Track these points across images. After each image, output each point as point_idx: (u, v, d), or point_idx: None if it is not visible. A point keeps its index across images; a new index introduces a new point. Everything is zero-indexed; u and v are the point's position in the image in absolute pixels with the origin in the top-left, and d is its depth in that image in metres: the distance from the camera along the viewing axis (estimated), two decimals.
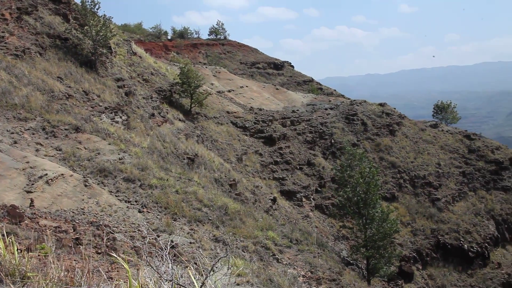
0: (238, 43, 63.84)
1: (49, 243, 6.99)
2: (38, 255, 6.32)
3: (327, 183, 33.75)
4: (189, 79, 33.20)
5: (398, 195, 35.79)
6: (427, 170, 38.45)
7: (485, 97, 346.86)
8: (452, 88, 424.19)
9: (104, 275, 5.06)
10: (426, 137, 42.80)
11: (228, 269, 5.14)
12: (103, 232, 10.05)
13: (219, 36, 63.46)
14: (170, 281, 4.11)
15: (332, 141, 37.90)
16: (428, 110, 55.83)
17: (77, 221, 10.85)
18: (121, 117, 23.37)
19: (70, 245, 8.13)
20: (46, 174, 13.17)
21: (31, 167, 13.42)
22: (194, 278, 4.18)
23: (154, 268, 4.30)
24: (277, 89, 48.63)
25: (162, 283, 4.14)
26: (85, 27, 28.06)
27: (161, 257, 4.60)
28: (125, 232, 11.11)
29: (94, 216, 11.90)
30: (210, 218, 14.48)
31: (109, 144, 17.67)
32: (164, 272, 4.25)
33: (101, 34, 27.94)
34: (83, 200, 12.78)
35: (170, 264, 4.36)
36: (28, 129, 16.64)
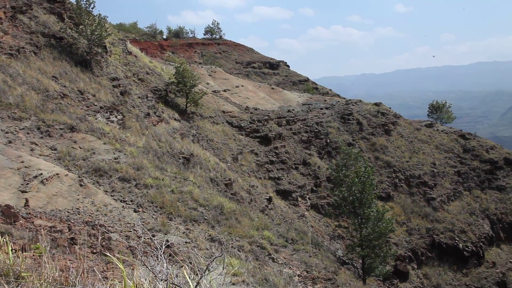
0: (234, 42, 63.80)
1: (43, 243, 6.97)
2: (33, 255, 6.30)
3: (323, 182, 33.79)
4: (184, 79, 33.15)
5: (393, 194, 35.87)
6: (422, 170, 38.57)
7: (480, 97, 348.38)
8: (447, 88, 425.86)
9: (99, 275, 5.05)
10: (421, 136, 42.93)
11: (223, 269, 5.15)
12: (98, 232, 10.03)
13: (214, 35, 63.41)
14: (165, 280, 4.11)
15: (328, 140, 37.94)
16: (423, 109, 56.04)
17: (72, 221, 10.82)
18: (116, 117, 23.31)
19: (65, 245, 8.10)
20: (41, 174, 13.12)
21: (26, 167, 13.37)
22: (189, 278, 4.17)
23: (149, 267, 4.29)
24: (272, 88, 48.64)
25: (157, 282, 4.13)
26: (80, 26, 27.96)
27: (156, 257, 4.59)
28: (121, 232, 11.09)
29: (89, 215, 11.87)
30: (206, 217, 14.47)
31: (104, 143, 17.63)
32: (159, 272, 4.24)
33: (96, 33, 27.85)
34: (78, 199, 12.74)
35: (165, 264, 4.35)
36: (23, 129, 16.57)
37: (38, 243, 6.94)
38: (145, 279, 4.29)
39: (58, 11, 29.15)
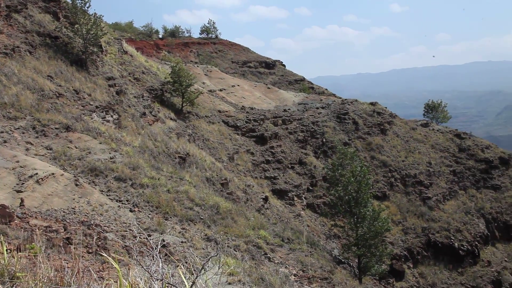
0: (230, 42, 63.80)
1: (39, 242, 6.95)
2: (28, 255, 6.28)
3: (319, 182, 33.83)
4: (180, 78, 33.10)
5: (389, 194, 35.95)
6: (418, 169, 38.68)
7: (475, 97, 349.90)
8: (442, 87, 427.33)
9: (95, 275, 5.04)
10: (417, 136, 43.04)
11: (219, 268, 5.14)
12: (94, 232, 10.01)
13: (210, 35, 63.39)
14: (161, 280, 4.10)
15: (324, 140, 37.99)
16: (419, 109, 56.23)
17: (68, 221, 10.79)
18: (112, 116, 23.26)
19: (61, 244, 8.08)
20: (37, 174, 13.07)
21: (21, 167, 13.32)
22: (185, 277, 4.17)
23: (145, 267, 4.29)
24: (268, 88, 48.64)
25: (153, 282, 4.12)
26: (76, 26, 27.86)
27: (152, 257, 4.58)
28: (116, 232, 11.07)
29: (85, 215, 11.84)
30: (202, 217, 14.46)
31: (100, 143, 17.59)
32: (155, 272, 4.24)
33: (92, 32, 27.76)
34: (74, 199, 12.70)
35: (160, 264, 4.35)
36: (18, 128, 16.51)
37: (33, 243, 6.92)
38: (141, 279, 4.29)
39: (53, 10, 29.05)
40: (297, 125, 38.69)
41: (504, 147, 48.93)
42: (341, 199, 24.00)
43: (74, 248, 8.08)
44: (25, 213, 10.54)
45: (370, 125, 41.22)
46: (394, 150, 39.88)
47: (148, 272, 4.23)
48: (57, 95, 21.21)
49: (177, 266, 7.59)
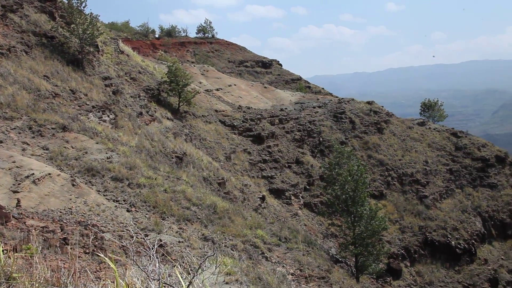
0: (226, 41, 63.81)
1: (35, 243, 6.93)
2: (24, 255, 6.26)
3: (316, 181, 33.86)
4: (177, 78, 33.07)
5: (386, 192, 36.03)
6: (414, 168, 38.77)
7: (471, 95, 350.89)
8: (439, 86, 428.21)
9: (91, 275, 5.03)
10: (413, 135, 43.13)
11: (216, 268, 5.14)
12: (91, 232, 9.99)
13: (207, 34, 63.38)
14: (158, 280, 4.10)
15: (321, 139, 38.03)
16: (416, 108, 56.30)
17: (65, 221, 10.77)
18: (108, 116, 23.22)
19: (57, 245, 8.06)
20: (33, 174, 13.04)
21: (17, 167, 13.28)
22: (182, 277, 4.16)
23: (141, 267, 4.28)
24: (265, 87, 48.65)
25: (150, 282, 4.12)
26: (72, 25, 27.77)
27: (149, 256, 4.57)
28: (113, 232, 11.05)
29: (82, 215, 11.82)
30: (199, 217, 14.45)
31: (97, 143, 17.55)
32: (152, 271, 4.23)
33: (88, 32, 27.67)
34: (70, 199, 12.68)
35: (157, 263, 4.34)
36: (14, 128, 16.46)
37: (29, 244, 6.90)
38: (138, 279, 4.28)
39: (49, 10, 28.95)
40: (294, 124, 38.71)
41: (500, 145, 49.10)
42: (338, 198, 24.01)
43: (71, 248, 8.07)
44: (21, 213, 10.51)
45: (366, 124, 41.28)
46: (391, 149, 39.95)
47: (145, 272, 4.23)
48: (54, 95, 21.15)
49: (174, 266, 7.58)
